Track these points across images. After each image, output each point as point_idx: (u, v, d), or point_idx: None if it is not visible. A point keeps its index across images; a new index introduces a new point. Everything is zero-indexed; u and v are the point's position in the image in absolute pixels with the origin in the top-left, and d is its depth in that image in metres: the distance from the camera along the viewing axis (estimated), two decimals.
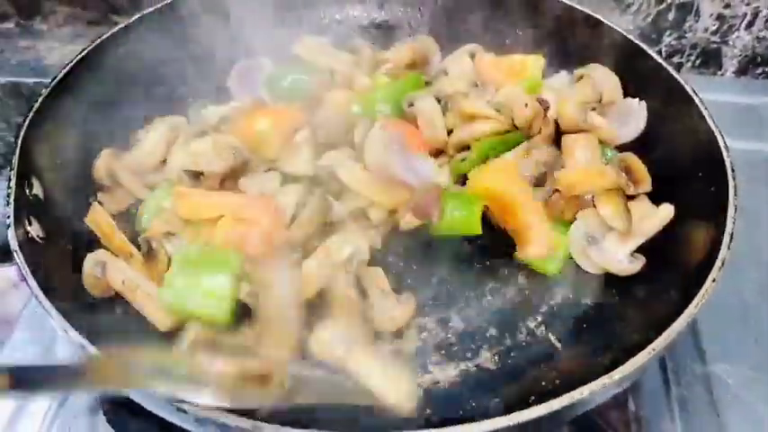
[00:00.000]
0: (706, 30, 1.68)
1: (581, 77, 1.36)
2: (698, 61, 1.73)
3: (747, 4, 1.62)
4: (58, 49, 1.90)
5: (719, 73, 1.75)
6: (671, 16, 1.67)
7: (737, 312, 1.30)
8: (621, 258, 1.14)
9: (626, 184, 1.17)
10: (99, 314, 1.05)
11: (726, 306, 1.29)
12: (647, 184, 1.19)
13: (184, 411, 0.80)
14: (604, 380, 0.85)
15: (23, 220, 1.02)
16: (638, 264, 1.13)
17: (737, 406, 1.18)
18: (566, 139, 1.24)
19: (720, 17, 1.66)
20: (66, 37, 1.93)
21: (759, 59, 1.72)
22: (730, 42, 1.70)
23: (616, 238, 1.15)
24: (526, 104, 1.21)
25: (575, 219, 1.18)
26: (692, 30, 1.68)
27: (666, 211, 1.15)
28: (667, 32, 1.69)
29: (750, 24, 1.66)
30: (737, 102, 1.54)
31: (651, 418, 1.16)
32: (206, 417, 0.81)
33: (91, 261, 1.07)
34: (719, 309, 1.25)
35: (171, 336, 1.03)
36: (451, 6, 1.52)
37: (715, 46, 1.71)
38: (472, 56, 1.42)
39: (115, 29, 1.32)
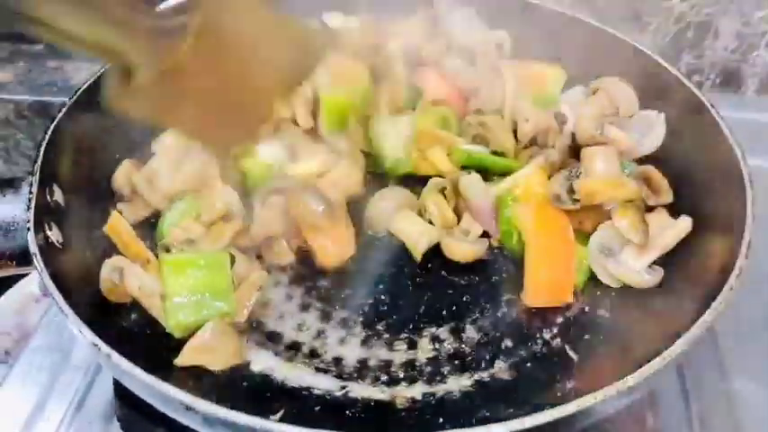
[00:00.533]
0: (725, 48, 1.68)
1: (596, 91, 1.36)
2: (718, 80, 1.72)
3: (767, 22, 1.62)
4: (85, 69, 1.95)
5: (740, 91, 1.74)
6: (690, 35, 1.67)
7: (759, 327, 1.28)
8: (639, 271, 1.13)
9: (646, 194, 1.17)
10: (115, 318, 1.06)
11: (747, 321, 1.27)
12: (667, 195, 1.18)
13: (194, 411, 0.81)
14: (618, 385, 0.84)
15: (44, 225, 1.04)
16: (656, 276, 1.12)
17: (759, 423, 1.15)
18: (585, 151, 1.24)
19: (740, 35, 1.65)
20: (92, 57, 1.98)
21: None
22: (750, 61, 1.69)
23: (634, 250, 1.14)
24: (527, 120, 1.22)
25: (594, 230, 1.17)
26: (711, 48, 1.68)
27: (685, 224, 1.14)
28: (686, 51, 1.69)
29: None
30: (758, 119, 1.53)
31: None
32: (215, 417, 0.81)
33: (108, 266, 1.08)
34: (740, 324, 1.23)
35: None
36: None
37: (735, 64, 1.71)
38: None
39: None
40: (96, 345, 0.85)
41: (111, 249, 1.14)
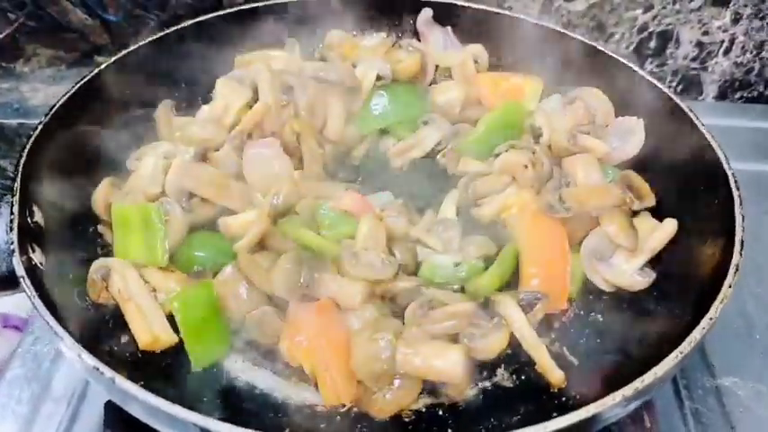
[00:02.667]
0: (686, 57, 1.74)
1: (573, 101, 1.38)
2: (679, 87, 1.78)
3: (725, 31, 1.69)
4: (41, 90, 1.89)
5: (700, 98, 1.80)
6: (652, 44, 1.72)
7: (742, 327, 1.32)
8: (632, 274, 1.14)
9: (630, 200, 1.19)
10: (106, 340, 1.02)
11: (730, 321, 1.31)
12: (650, 199, 1.21)
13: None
14: (636, 385, 0.84)
15: (26, 247, 0.99)
16: (648, 278, 1.14)
17: (750, 418, 1.18)
18: (565, 162, 1.26)
19: (699, 44, 1.72)
20: (48, 78, 1.92)
21: (737, 84, 1.78)
22: (709, 68, 1.75)
23: (624, 254, 1.16)
24: (525, 166, 1.23)
25: (584, 237, 1.18)
26: (672, 57, 1.74)
27: (671, 226, 1.16)
28: (649, 60, 1.75)
29: (728, 51, 1.72)
30: (718, 125, 1.58)
31: None
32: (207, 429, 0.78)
33: (96, 265, 1.07)
34: (724, 324, 1.26)
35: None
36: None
37: (695, 72, 1.77)
38: (476, 60, 1.44)
39: (111, 59, 1.31)
40: (98, 369, 0.81)
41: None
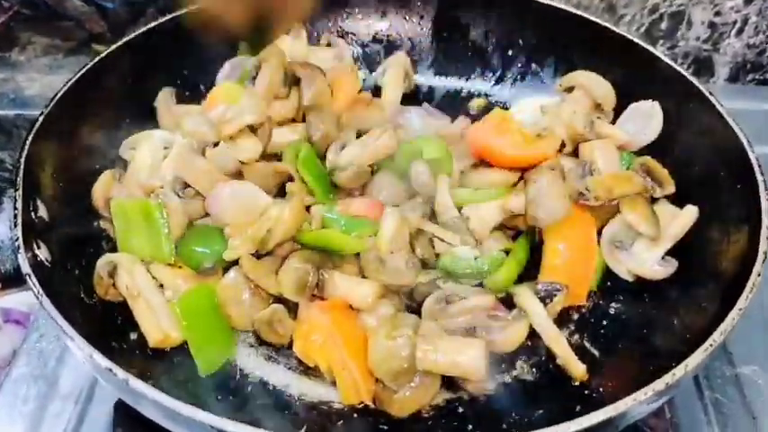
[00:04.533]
0: (698, 38, 1.70)
1: (571, 88, 1.34)
2: (690, 69, 1.74)
3: (737, 12, 1.65)
4: (38, 80, 1.84)
5: (712, 80, 1.77)
6: (664, 26, 1.68)
7: (759, 315, 1.28)
8: (653, 263, 1.12)
9: (651, 187, 1.16)
10: (115, 337, 0.99)
11: (748, 309, 1.27)
12: (670, 186, 1.17)
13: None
14: (667, 379, 0.82)
15: (31, 243, 0.95)
16: (670, 267, 1.11)
17: None
18: (583, 148, 1.22)
19: (712, 25, 1.68)
20: (45, 68, 1.87)
21: (749, 66, 1.75)
22: (721, 50, 1.72)
23: (646, 242, 1.13)
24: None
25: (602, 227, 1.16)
26: (684, 38, 1.70)
27: (691, 213, 1.13)
28: (660, 42, 1.71)
29: (740, 32, 1.68)
30: (730, 107, 1.55)
31: (687, 423, 1.13)
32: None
33: (102, 261, 1.04)
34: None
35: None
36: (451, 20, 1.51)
37: (707, 54, 1.73)
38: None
39: (113, 47, 1.27)
40: (111, 370, 0.78)
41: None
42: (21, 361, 1.17)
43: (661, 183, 1.18)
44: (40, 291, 0.86)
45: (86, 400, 1.12)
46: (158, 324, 0.99)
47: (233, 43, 1.38)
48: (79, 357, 0.84)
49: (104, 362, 0.79)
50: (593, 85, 1.32)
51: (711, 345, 0.85)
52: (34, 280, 0.87)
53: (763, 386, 1.19)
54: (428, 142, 1.16)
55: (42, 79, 1.84)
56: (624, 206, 1.14)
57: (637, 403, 0.80)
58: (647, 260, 1.12)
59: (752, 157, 1.09)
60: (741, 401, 1.17)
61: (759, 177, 1.06)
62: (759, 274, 0.93)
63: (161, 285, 1.05)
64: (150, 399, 0.77)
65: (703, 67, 1.75)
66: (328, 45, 1.47)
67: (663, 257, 1.12)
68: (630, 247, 1.13)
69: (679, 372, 0.82)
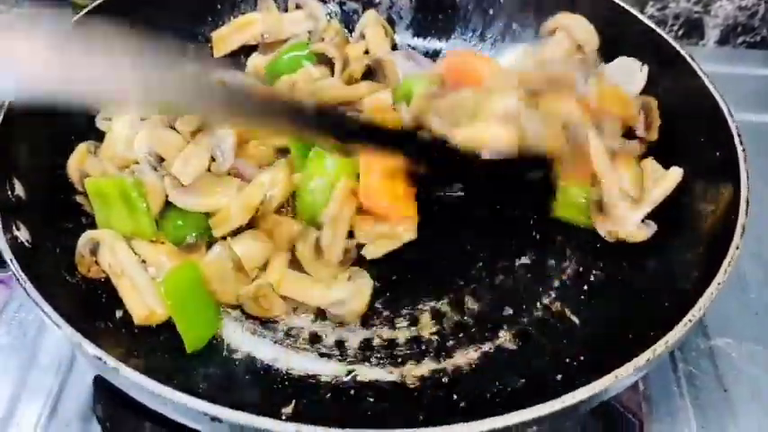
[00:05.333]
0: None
1: (553, 31, 1.33)
2: (680, 31, 1.72)
3: None
4: None
5: (701, 43, 1.75)
6: None
7: (736, 286, 1.30)
8: (633, 224, 1.12)
9: (640, 124, 1.17)
10: (99, 319, 0.99)
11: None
12: (654, 133, 1.18)
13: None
14: (648, 355, 0.83)
15: (10, 225, 0.94)
16: (649, 230, 1.12)
17: (743, 379, 1.18)
18: None
19: None
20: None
21: (740, 29, 1.73)
22: (712, 12, 1.70)
23: (628, 204, 1.13)
24: None
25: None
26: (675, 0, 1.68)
27: (676, 174, 1.13)
28: (651, 3, 1.68)
29: None
30: (719, 71, 1.54)
31: (660, 396, 1.15)
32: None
33: (84, 239, 1.03)
34: None
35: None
36: None
37: (697, 16, 1.71)
38: None
39: (77, 17, 1.23)
40: (101, 358, 0.78)
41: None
42: (0, 330, 1.17)
43: (650, 125, 1.19)
44: (24, 276, 0.85)
45: (67, 370, 1.13)
46: (143, 301, 0.99)
47: None
48: (64, 340, 0.84)
49: (94, 350, 0.79)
50: (575, 26, 1.31)
51: (690, 320, 0.86)
52: (16, 265, 0.86)
53: (736, 359, 1.21)
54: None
55: None
56: (617, 162, 1.14)
57: (615, 381, 0.81)
58: (628, 222, 1.12)
59: (732, 125, 1.08)
60: (714, 374, 1.19)
61: (739, 148, 1.06)
62: (737, 248, 0.94)
63: (144, 261, 1.05)
64: (138, 384, 0.77)
65: (693, 29, 1.74)
66: (298, 8, 1.44)
67: (642, 221, 1.13)
68: (613, 208, 1.13)
69: (659, 348, 0.83)
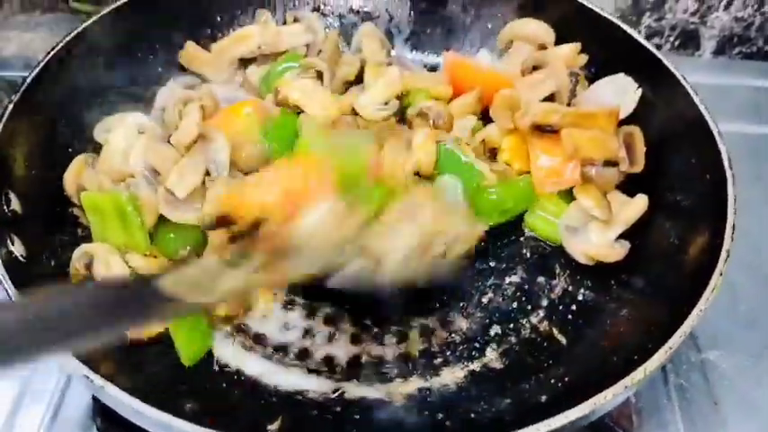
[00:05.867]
0: (686, 10, 1.68)
1: (510, 42, 1.37)
2: (677, 42, 1.72)
3: None
4: (14, 39, 1.80)
5: (698, 54, 1.75)
6: None
7: (726, 299, 1.29)
8: (606, 245, 1.14)
9: (623, 159, 1.17)
10: None
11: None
12: (640, 166, 1.18)
13: None
14: (626, 382, 0.84)
15: (5, 239, 0.96)
16: (622, 249, 1.13)
17: (733, 392, 1.19)
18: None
19: None
20: (22, 25, 1.83)
21: (736, 39, 1.73)
22: (708, 23, 1.70)
23: (599, 226, 1.15)
24: None
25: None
26: (671, 11, 1.68)
27: (641, 202, 1.15)
28: (647, 14, 1.68)
29: (729, 4, 1.66)
30: (715, 82, 1.54)
31: (651, 409, 1.16)
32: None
33: (78, 253, 1.04)
34: None
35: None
36: None
37: (693, 26, 1.71)
38: None
39: (79, 28, 1.24)
40: (88, 377, 0.80)
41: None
42: None
43: (634, 160, 1.19)
44: (15, 293, 0.87)
45: (69, 375, 1.14)
46: None
47: None
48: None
49: (85, 371, 0.80)
50: (527, 29, 1.35)
51: (670, 348, 0.87)
52: (9, 283, 0.88)
53: (726, 370, 1.22)
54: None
55: (20, 37, 1.81)
56: (578, 192, 1.16)
57: (596, 407, 0.82)
58: (601, 242, 1.14)
59: (722, 148, 1.08)
60: (704, 387, 1.20)
61: (728, 171, 1.06)
62: (721, 274, 0.95)
63: None
64: (126, 405, 0.79)
65: (689, 39, 1.74)
66: (295, 21, 1.45)
67: (616, 240, 1.14)
68: (584, 232, 1.15)
69: (638, 375, 0.84)
